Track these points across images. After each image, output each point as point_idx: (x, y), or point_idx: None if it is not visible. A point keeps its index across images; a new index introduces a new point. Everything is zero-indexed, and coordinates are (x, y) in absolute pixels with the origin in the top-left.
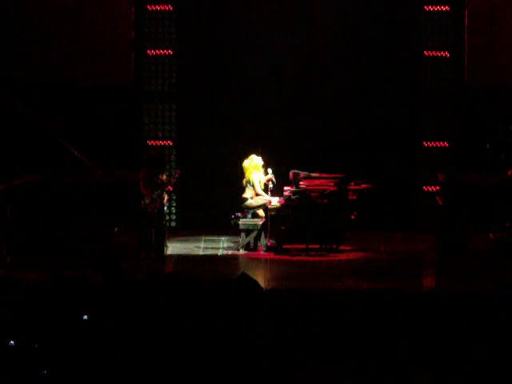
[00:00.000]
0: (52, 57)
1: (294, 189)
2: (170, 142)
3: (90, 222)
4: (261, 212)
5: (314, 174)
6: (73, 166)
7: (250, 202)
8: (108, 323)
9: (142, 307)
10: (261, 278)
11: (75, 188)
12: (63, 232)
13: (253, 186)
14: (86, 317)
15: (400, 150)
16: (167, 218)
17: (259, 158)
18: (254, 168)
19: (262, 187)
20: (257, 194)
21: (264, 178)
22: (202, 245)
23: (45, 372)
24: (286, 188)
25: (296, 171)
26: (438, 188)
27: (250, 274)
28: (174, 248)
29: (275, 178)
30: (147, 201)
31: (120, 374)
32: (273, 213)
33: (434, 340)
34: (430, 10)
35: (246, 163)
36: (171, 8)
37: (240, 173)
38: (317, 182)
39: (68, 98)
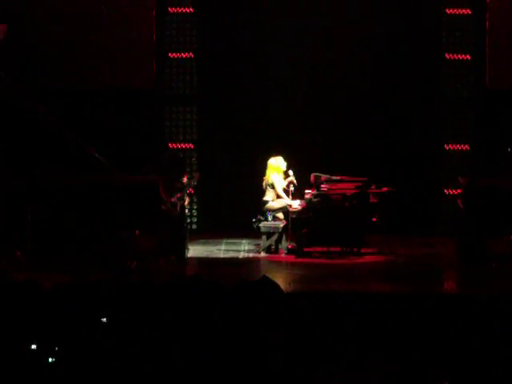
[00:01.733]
0: (74, 62)
1: (315, 192)
2: (191, 145)
3: (111, 224)
4: (281, 215)
5: (335, 177)
6: (95, 170)
7: (270, 205)
8: (127, 326)
9: (162, 309)
10: (282, 281)
11: (96, 191)
12: (83, 234)
13: (273, 187)
14: (104, 319)
15: (421, 153)
16: (188, 220)
17: (284, 162)
18: (276, 170)
19: (283, 189)
20: (278, 197)
21: (284, 182)
22: (223, 247)
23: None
24: (307, 191)
25: (317, 174)
26: (459, 191)
27: (271, 276)
28: (195, 251)
29: (296, 180)
30: (167, 205)
31: (138, 375)
32: (294, 216)
33: (456, 344)
34: (451, 13)
35: (271, 161)
36: (192, 10)
37: (261, 175)
38: (338, 185)
39: (90, 102)
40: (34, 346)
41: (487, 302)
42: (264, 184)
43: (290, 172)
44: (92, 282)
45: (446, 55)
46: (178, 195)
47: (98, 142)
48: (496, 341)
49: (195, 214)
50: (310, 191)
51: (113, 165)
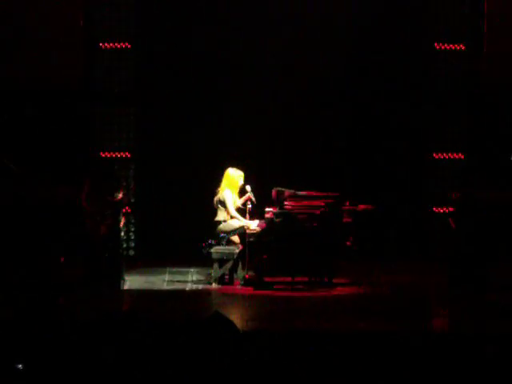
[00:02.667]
0: None
1: (277, 210)
2: (127, 154)
3: (29, 249)
4: (236, 238)
5: (301, 193)
6: (7, 182)
7: (223, 226)
8: (48, 372)
9: (92, 352)
10: (237, 318)
11: (11, 208)
12: None
13: (224, 205)
14: (20, 366)
15: (405, 163)
16: (124, 245)
17: (241, 180)
18: (230, 183)
19: (236, 207)
20: (232, 217)
21: (239, 200)
22: (167, 277)
23: None
24: (267, 209)
25: (280, 189)
26: (451, 209)
27: (225, 312)
28: (132, 281)
29: (254, 196)
30: (91, 223)
31: None
32: (252, 239)
33: None
34: None
35: (230, 171)
36: None
37: (212, 191)
38: (305, 201)
39: (5, 103)
40: None
41: (486, 344)
42: (215, 201)
43: (248, 187)
44: (7, 319)
45: (436, 45)
46: (110, 212)
47: (12, 150)
48: None
49: (132, 237)
50: (271, 209)
51: (31, 177)
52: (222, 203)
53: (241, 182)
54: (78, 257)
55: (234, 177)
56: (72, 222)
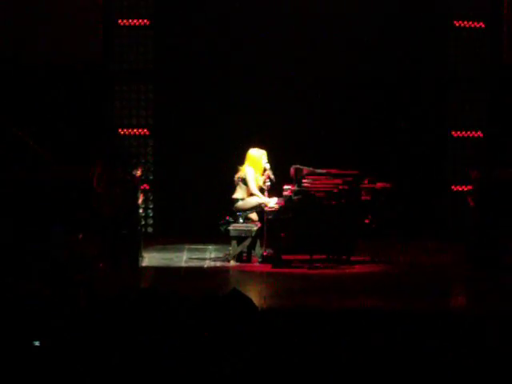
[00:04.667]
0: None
1: (295, 188)
2: (146, 131)
3: (47, 226)
4: (254, 216)
5: (319, 171)
6: (30, 161)
7: (241, 204)
8: (68, 349)
9: (112, 328)
10: (255, 295)
11: (34, 186)
12: (13, 239)
13: (245, 183)
14: (37, 343)
15: (424, 142)
16: (143, 222)
17: (265, 159)
18: (254, 163)
19: (258, 186)
20: (251, 194)
21: (261, 178)
22: (185, 255)
23: None
24: (285, 187)
25: (298, 166)
26: (469, 187)
27: (243, 289)
28: (151, 259)
29: (273, 174)
30: (99, 203)
31: None
32: (270, 217)
33: (462, 370)
34: None
35: (252, 151)
36: None
37: (230, 169)
38: (323, 179)
39: (24, 79)
40: None
41: (504, 324)
42: (236, 178)
43: (267, 165)
44: (28, 295)
45: (455, 22)
46: (120, 190)
47: (32, 127)
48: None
49: (151, 214)
50: (289, 187)
51: (49, 155)
52: (244, 180)
53: (264, 160)
54: (94, 234)
55: (255, 157)
56: (88, 200)
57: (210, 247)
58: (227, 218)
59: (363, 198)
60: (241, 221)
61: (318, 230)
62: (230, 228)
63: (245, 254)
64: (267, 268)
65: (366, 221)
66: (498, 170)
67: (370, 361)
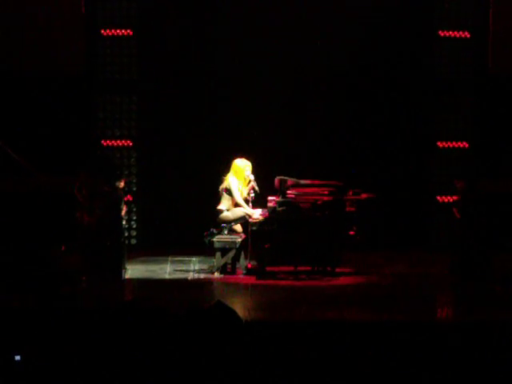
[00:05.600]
0: None
1: (280, 199)
2: (129, 142)
3: (31, 238)
4: (239, 227)
5: (304, 182)
6: (11, 172)
7: (226, 215)
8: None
9: (94, 341)
10: (240, 307)
11: (15, 198)
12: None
13: (230, 193)
14: (18, 357)
15: (409, 152)
16: (126, 234)
17: (249, 169)
18: (238, 173)
19: (242, 197)
20: (235, 205)
21: (245, 189)
22: (169, 267)
23: None
24: (270, 198)
25: (283, 177)
26: (455, 198)
27: (227, 302)
28: (134, 271)
29: (258, 185)
30: (80, 214)
31: None
32: (254, 228)
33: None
34: None
35: (237, 161)
36: None
37: (214, 179)
38: (308, 190)
39: (4, 90)
40: None
41: (488, 333)
42: (220, 189)
43: (251, 176)
44: (9, 309)
45: (440, 32)
46: (101, 202)
47: (13, 139)
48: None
49: (134, 226)
50: (273, 198)
51: (33, 166)
52: (228, 191)
53: (248, 171)
54: (76, 246)
55: (239, 166)
56: (71, 211)
57: (194, 259)
58: (211, 229)
59: (348, 209)
60: (225, 232)
61: (303, 241)
62: (215, 240)
63: (229, 266)
64: (252, 280)
65: (351, 232)
66: (483, 181)
67: (355, 371)
